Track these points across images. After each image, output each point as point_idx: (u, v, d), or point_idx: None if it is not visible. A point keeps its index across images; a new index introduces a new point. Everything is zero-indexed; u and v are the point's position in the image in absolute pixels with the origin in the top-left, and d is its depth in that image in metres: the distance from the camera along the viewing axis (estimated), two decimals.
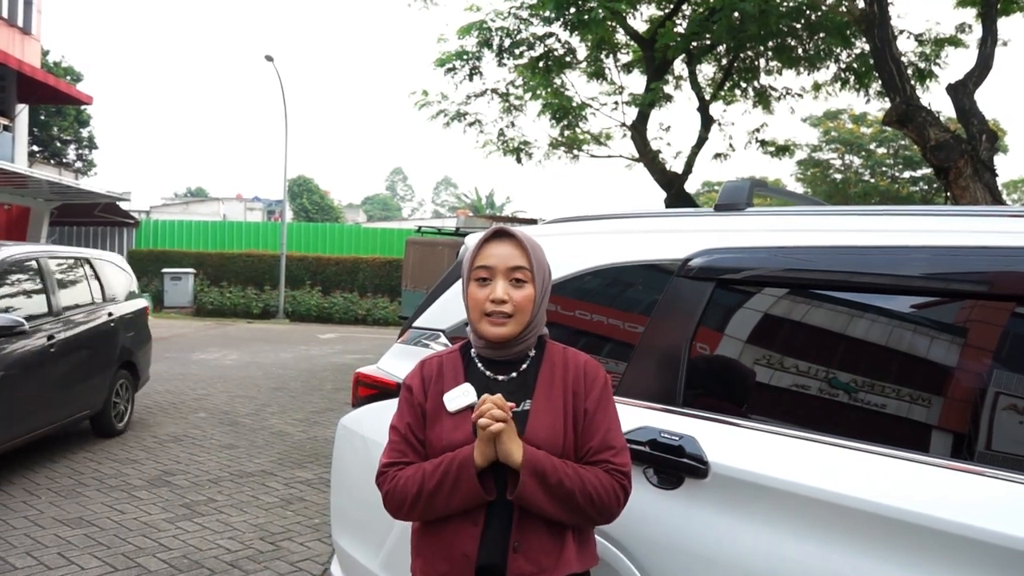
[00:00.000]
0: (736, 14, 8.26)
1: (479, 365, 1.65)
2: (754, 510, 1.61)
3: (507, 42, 10.47)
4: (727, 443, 1.70)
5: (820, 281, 1.76)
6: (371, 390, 2.48)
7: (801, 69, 10.46)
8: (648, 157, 10.64)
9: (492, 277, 1.60)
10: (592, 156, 12.34)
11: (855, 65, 10.34)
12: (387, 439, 1.66)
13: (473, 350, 1.68)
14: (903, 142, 22.53)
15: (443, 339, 2.40)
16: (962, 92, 6.46)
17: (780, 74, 11.25)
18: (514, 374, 1.64)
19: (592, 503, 1.51)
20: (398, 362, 2.49)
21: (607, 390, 1.64)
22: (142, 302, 7.23)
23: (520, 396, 1.60)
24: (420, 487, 1.54)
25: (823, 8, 8.73)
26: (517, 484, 1.50)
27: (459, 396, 1.59)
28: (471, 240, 2.54)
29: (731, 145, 12.05)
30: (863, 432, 1.59)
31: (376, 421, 2.39)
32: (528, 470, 1.49)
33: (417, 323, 2.54)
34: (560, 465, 1.51)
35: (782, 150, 12.28)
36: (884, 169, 25.89)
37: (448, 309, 2.43)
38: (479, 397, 1.56)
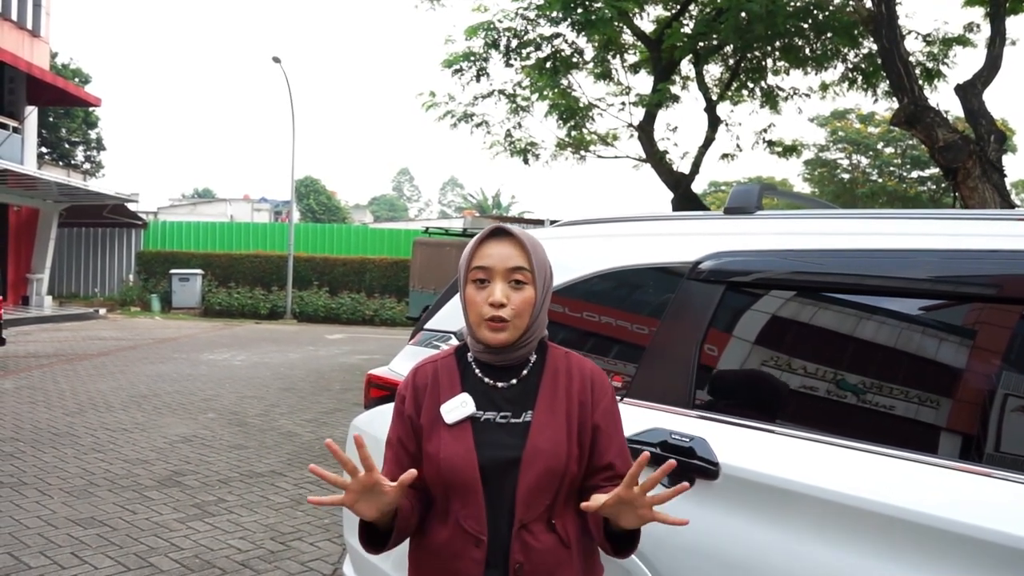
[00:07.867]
0: (743, 14, 8.24)
1: (477, 371, 1.56)
2: (764, 511, 1.63)
3: (514, 43, 10.47)
4: (737, 444, 1.71)
5: (829, 284, 1.77)
6: (383, 391, 2.51)
7: (808, 69, 10.43)
8: (655, 158, 10.63)
9: (490, 278, 1.51)
10: (599, 157, 12.32)
11: (863, 65, 10.31)
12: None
13: (470, 354, 1.59)
14: (911, 142, 22.47)
15: (454, 341, 2.42)
16: (970, 92, 6.44)
17: (787, 74, 11.22)
18: (514, 381, 1.54)
19: None
20: (409, 364, 2.51)
21: (615, 401, 1.58)
22: None
23: (520, 405, 1.52)
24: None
25: (830, 8, 8.71)
26: (629, 541, 1.45)
27: (457, 407, 1.51)
28: None
29: (738, 145, 12.00)
30: (872, 434, 1.60)
31: (387, 422, 2.42)
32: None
33: (429, 325, 2.56)
34: None
35: (789, 150, 12.24)
36: (892, 169, 25.84)
37: (460, 311, 2.44)
38: (478, 405, 1.51)
